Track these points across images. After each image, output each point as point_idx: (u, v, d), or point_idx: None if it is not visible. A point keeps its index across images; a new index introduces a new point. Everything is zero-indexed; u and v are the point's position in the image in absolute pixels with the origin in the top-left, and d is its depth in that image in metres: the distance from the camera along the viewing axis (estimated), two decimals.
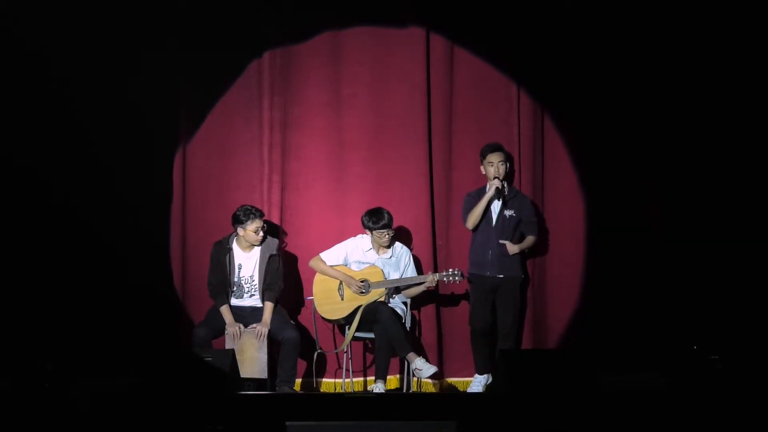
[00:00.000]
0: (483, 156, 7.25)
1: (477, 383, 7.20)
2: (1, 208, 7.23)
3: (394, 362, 7.19)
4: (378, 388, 6.86)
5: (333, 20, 7.67)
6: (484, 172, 7.26)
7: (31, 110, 7.28)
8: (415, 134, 7.65)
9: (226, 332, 6.96)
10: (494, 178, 7.15)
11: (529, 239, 7.30)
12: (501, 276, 7.17)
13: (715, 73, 7.44)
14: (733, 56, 7.39)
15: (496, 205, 7.20)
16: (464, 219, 7.27)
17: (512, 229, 7.22)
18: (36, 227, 7.25)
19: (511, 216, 7.22)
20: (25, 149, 7.24)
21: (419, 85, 7.65)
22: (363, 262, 7.24)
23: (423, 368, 6.82)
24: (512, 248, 7.18)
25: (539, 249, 7.59)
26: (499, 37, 7.66)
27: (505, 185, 7.22)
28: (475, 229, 7.23)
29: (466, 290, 7.38)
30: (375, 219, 7.14)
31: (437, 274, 7.12)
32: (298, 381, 7.26)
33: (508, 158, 7.30)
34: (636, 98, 7.55)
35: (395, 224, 7.24)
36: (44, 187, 7.26)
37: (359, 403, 6.06)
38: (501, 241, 7.17)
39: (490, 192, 7.15)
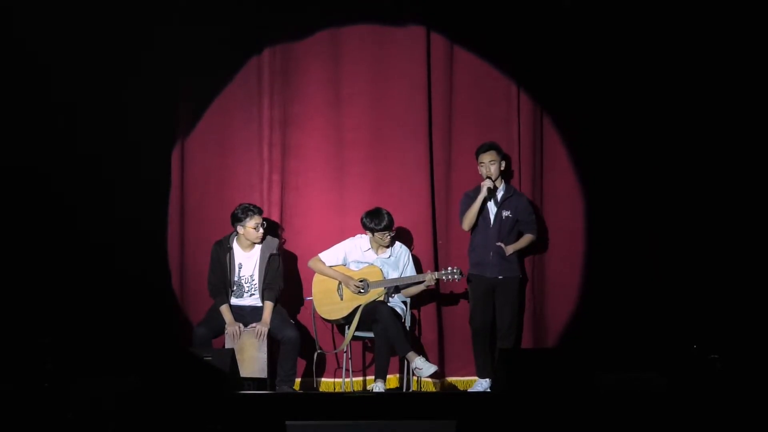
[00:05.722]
0: (476, 156, 7.26)
1: (478, 386, 7.17)
2: (0, 207, 7.22)
3: (394, 361, 7.18)
4: (378, 387, 6.86)
5: (333, 18, 7.67)
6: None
7: (27, 107, 7.26)
8: (415, 133, 7.65)
9: (225, 332, 6.96)
10: (486, 178, 7.15)
11: (527, 237, 7.28)
12: (500, 277, 7.16)
13: (713, 70, 7.44)
14: (733, 57, 7.39)
15: (493, 206, 7.20)
16: (461, 220, 7.28)
17: (509, 229, 7.22)
18: (34, 226, 7.23)
19: (507, 216, 7.20)
20: (22, 148, 7.22)
21: (419, 83, 7.64)
22: (362, 262, 7.23)
23: (423, 367, 6.81)
24: (508, 249, 7.17)
25: (539, 248, 7.58)
26: (499, 37, 7.66)
27: (497, 185, 7.20)
28: (473, 230, 7.23)
29: (466, 289, 7.36)
30: (376, 221, 7.12)
31: (436, 272, 7.12)
32: (298, 380, 7.25)
33: (503, 157, 7.27)
34: (636, 97, 7.54)
35: (395, 224, 7.23)
36: (42, 185, 7.24)
37: (359, 402, 6.06)
38: (497, 244, 7.16)
39: (482, 193, 7.14)
